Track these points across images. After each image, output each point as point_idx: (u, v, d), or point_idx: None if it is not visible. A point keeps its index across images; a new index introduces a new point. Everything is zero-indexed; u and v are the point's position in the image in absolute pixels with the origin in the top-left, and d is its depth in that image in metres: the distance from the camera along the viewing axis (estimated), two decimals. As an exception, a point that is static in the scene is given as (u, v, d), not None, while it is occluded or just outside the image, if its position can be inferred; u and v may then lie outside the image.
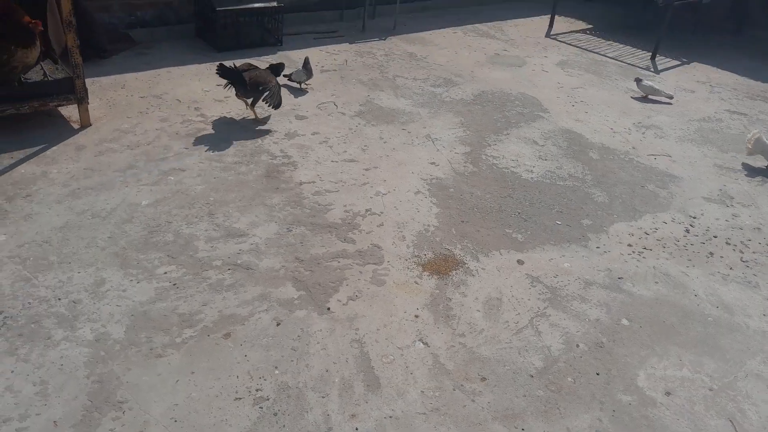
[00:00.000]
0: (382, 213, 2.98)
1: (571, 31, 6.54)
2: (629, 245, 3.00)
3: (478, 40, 5.91)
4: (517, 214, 3.12)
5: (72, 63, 3.21)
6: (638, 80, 4.80)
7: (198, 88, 4.07)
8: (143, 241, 2.57)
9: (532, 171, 3.56)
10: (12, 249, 2.42)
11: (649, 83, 4.80)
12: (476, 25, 6.37)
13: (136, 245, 2.53)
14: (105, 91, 3.85)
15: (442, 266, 2.65)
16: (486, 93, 4.62)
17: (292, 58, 4.80)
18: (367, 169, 3.37)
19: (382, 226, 2.88)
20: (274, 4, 4.87)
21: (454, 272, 2.63)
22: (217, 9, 4.55)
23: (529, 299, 2.55)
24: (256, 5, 4.79)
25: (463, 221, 3.00)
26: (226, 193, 2.98)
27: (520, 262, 2.76)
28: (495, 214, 3.10)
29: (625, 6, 7.44)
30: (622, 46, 6.15)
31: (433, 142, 3.76)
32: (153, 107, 3.73)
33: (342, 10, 5.87)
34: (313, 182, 3.18)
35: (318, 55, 4.98)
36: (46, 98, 3.22)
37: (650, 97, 4.81)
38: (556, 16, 6.45)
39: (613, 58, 5.74)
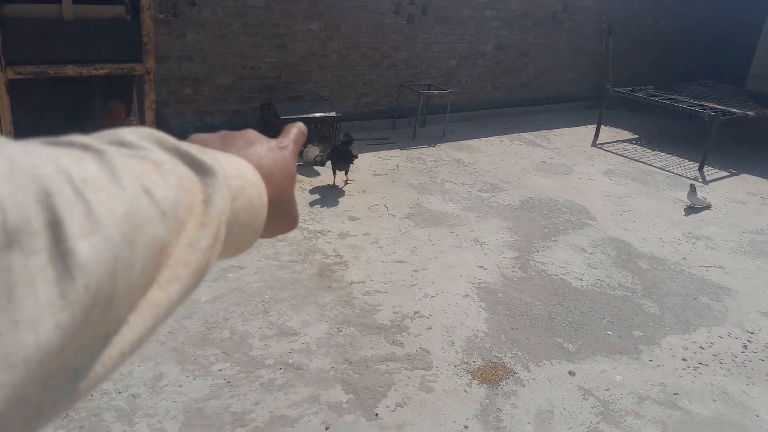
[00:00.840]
0: (430, 316, 3.02)
1: (617, 141, 6.70)
2: (684, 359, 2.93)
3: (525, 148, 6.12)
4: (567, 322, 3.11)
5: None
6: (693, 188, 4.79)
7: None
8: (201, 337, 2.67)
9: (581, 279, 3.57)
10: (80, 339, 2.55)
11: (700, 195, 4.80)
12: (522, 134, 6.61)
13: (194, 341, 2.63)
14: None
15: (492, 375, 2.64)
16: (533, 199, 4.72)
17: (346, 163, 5.07)
18: (416, 271, 3.45)
19: (430, 329, 2.91)
20: (333, 114, 5.22)
21: (504, 381, 2.61)
22: (281, 117, 4.91)
23: (581, 413, 2.49)
24: (317, 114, 5.15)
25: (512, 328, 3.00)
26: (281, 291, 3.10)
27: (571, 373, 2.72)
28: (545, 321, 3.09)
29: (670, 117, 7.62)
30: (668, 156, 6.25)
31: (481, 246, 3.84)
32: (216, 206, 3.97)
33: (394, 118, 6.22)
34: (363, 282, 3.27)
35: (371, 160, 5.24)
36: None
37: (695, 206, 4.82)
38: (602, 126, 6.64)
39: (660, 168, 5.82)
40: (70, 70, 3.11)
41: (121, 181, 0.28)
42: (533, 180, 5.17)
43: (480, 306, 3.16)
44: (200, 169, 0.34)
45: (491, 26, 6.82)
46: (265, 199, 0.41)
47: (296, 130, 0.52)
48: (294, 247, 3.57)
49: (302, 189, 4.44)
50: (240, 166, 0.40)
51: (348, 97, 6.01)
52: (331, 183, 4.55)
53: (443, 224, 4.11)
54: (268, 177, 0.43)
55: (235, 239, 0.39)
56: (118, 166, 0.28)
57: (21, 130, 3.09)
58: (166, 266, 0.30)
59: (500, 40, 6.99)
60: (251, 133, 0.47)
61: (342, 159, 4.41)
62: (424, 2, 6.11)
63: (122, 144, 0.31)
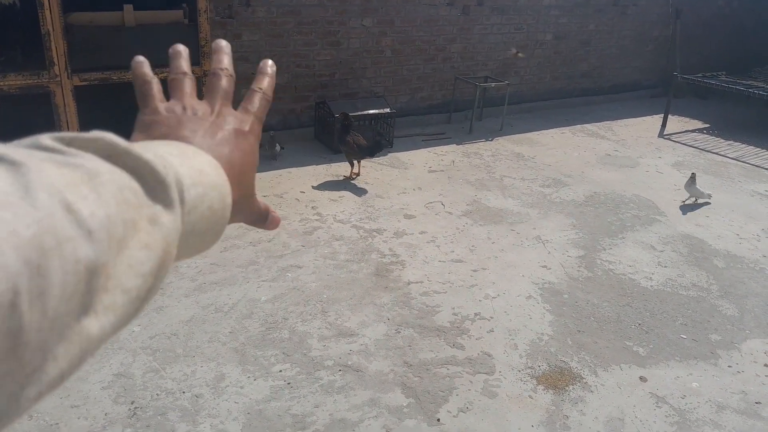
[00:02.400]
0: (492, 318, 2.93)
1: (686, 131, 6.36)
2: (766, 365, 2.73)
3: (587, 140, 5.89)
4: (637, 325, 2.95)
5: (208, 167, 3.55)
6: (693, 178, 4.33)
7: (315, 188, 4.33)
8: (261, 337, 2.68)
9: (651, 278, 3.39)
10: (144, 340, 2.60)
11: (696, 186, 4.37)
12: (585, 125, 6.37)
13: (255, 341, 2.64)
14: (232, 190, 4.19)
15: (558, 380, 2.53)
16: (598, 194, 4.53)
17: (401, 159, 5.01)
18: (475, 271, 3.36)
19: (492, 332, 2.82)
20: (387, 110, 5.17)
21: (571, 387, 2.49)
22: (335, 115, 4.89)
23: (654, 421, 2.35)
24: (371, 111, 5.11)
25: (579, 331, 2.87)
26: (338, 291, 3.07)
27: (642, 378, 2.58)
28: (613, 324, 2.95)
29: (745, 104, 7.17)
30: (744, 146, 5.87)
31: (544, 245, 3.70)
32: (274, 205, 3.97)
33: (450, 113, 6.11)
34: (421, 282, 3.21)
35: (426, 156, 5.16)
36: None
37: (694, 199, 4.45)
38: (669, 116, 6.32)
39: (734, 159, 5.48)
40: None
41: (34, 198, 0.24)
42: (597, 174, 4.96)
43: (544, 308, 3.04)
44: (149, 180, 0.30)
45: (550, 15, 6.60)
46: (228, 200, 0.38)
47: (260, 94, 0.47)
48: (350, 246, 3.54)
49: (352, 187, 4.41)
50: (203, 168, 0.36)
51: (402, 92, 5.95)
52: (348, 175, 4.56)
53: (503, 222, 3.99)
54: (236, 176, 0.40)
55: (188, 248, 0.36)
56: (33, 181, 0.25)
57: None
58: (105, 291, 0.27)
59: (559, 29, 6.75)
60: (223, 114, 0.43)
61: (369, 148, 4.38)
62: (479, -7, 5.97)
63: (55, 150, 0.28)
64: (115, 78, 3.13)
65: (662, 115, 6.34)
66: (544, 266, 3.45)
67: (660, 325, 2.96)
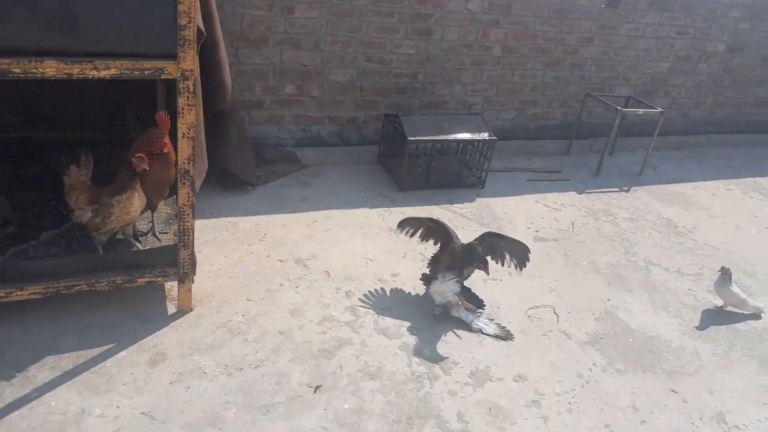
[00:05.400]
0: None
1: None
2: None
3: (766, 204, 4.07)
4: None
5: (180, 228, 2.15)
6: (725, 274, 2.75)
7: (360, 251, 2.86)
8: None
9: None
10: None
11: (736, 289, 2.76)
12: (757, 178, 4.53)
13: None
14: (237, 243, 2.79)
15: None
16: (810, 324, 2.80)
17: (494, 210, 3.45)
18: (609, 489, 1.80)
19: None
20: (485, 136, 3.58)
21: None
22: (409, 138, 3.37)
23: None
24: (460, 136, 3.54)
25: None
26: None
27: None
28: None
29: None
30: None
31: (734, 440, 2.07)
32: (289, 283, 2.56)
33: (571, 140, 4.44)
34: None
35: (532, 208, 3.57)
36: (134, 271, 2.18)
37: (727, 308, 2.80)
38: None
39: None
40: (51, 68, 1.80)
41: None
42: (799, 277, 3.19)
43: None
44: None
45: (728, 17, 4.74)
46: None
47: None
48: (389, 397, 2.05)
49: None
50: None
51: (508, 106, 4.34)
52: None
53: (655, 367, 2.38)
54: None
55: None
56: None
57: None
58: None
59: (737, 37, 4.88)
60: None
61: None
62: (637, -22, 4.22)
63: None
64: (17, 70, 1.78)
65: None
66: (745, 505, 1.84)
67: None
